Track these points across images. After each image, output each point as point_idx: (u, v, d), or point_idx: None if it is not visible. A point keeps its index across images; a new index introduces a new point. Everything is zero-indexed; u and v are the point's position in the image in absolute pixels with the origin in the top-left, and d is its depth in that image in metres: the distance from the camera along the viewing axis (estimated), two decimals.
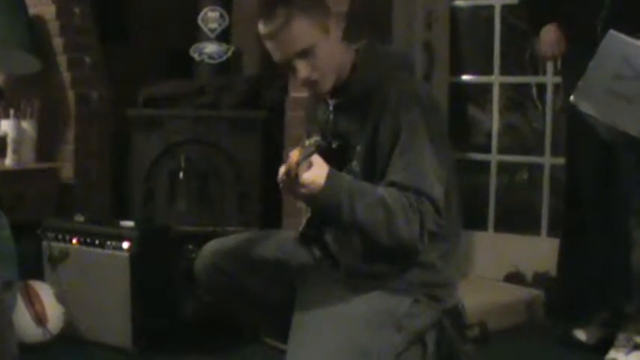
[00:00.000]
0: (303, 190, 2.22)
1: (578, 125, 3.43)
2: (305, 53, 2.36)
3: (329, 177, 2.24)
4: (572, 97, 2.63)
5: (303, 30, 2.34)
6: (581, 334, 3.61)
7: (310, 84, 2.44)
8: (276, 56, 2.41)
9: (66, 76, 4.42)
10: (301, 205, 2.54)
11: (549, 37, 3.60)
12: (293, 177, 2.20)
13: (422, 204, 2.24)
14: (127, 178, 4.44)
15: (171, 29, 4.80)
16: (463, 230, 2.62)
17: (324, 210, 2.29)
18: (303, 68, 2.38)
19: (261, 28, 2.38)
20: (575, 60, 3.31)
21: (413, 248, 2.29)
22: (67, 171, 4.40)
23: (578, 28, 3.48)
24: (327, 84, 2.43)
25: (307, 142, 2.28)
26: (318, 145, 2.35)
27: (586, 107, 2.65)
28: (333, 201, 2.24)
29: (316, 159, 2.23)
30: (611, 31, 2.57)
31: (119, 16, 5.00)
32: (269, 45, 2.40)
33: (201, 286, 2.77)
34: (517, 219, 4.77)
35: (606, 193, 3.55)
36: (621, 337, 3.44)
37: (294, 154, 2.22)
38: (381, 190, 2.26)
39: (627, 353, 3.40)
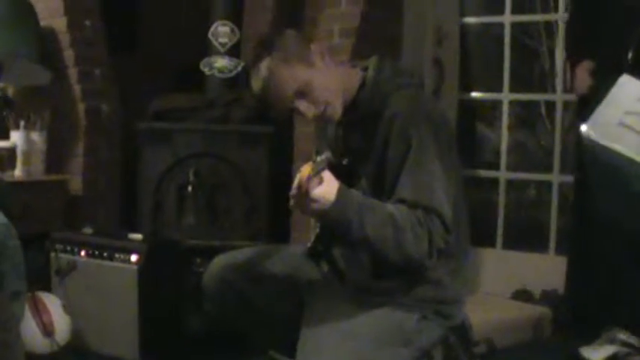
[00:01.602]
0: (313, 206, 2.23)
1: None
2: (300, 93, 2.41)
3: (339, 193, 2.24)
4: (582, 128, 2.66)
5: (288, 75, 2.40)
6: (587, 352, 3.59)
7: (320, 117, 2.47)
8: (277, 106, 2.47)
9: (76, 88, 4.42)
10: (309, 219, 2.55)
11: (579, 74, 3.64)
12: (303, 192, 2.21)
13: (431, 221, 2.24)
14: (136, 191, 4.45)
15: (181, 43, 4.82)
16: (471, 247, 2.62)
17: (334, 225, 2.29)
18: (305, 107, 2.43)
19: (253, 86, 2.47)
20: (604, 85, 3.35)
21: (421, 265, 2.29)
22: (75, 183, 4.40)
23: (608, 53, 3.50)
24: (337, 111, 2.46)
25: (318, 158, 2.29)
26: (329, 161, 2.36)
27: (596, 137, 2.69)
28: (342, 217, 2.24)
29: (327, 175, 2.24)
30: (625, 75, 2.62)
31: (130, 30, 5.03)
32: (267, 99, 2.47)
33: (209, 299, 2.77)
34: (525, 236, 4.77)
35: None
36: None
37: (304, 170, 2.23)
38: (391, 207, 2.27)
39: None
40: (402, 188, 2.30)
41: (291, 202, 2.28)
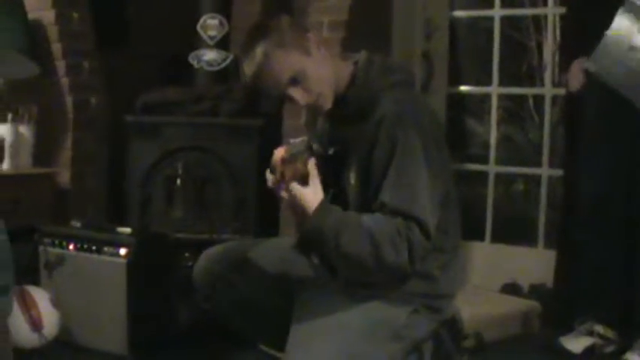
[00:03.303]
0: (284, 195, 2.30)
1: (578, 137, 3.44)
2: (294, 80, 2.39)
3: (320, 206, 2.28)
4: (586, 63, 2.62)
5: (283, 61, 2.37)
6: (567, 343, 3.61)
7: (311, 107, 2.45)
8: (270, 92, 2.45)
9: (64, 81, 4.40)
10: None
11: (575, 71, 3.63)
12: (278, 176, 2.24)
13: (410, 230, 2.23)
14: (124, 185, 4.43)
15: (170, 36, 4.80)
16: (461, 241, 2.61)
17: (309, 238, 2.35)
18: (298, 95, 2.40)
19: (246, 70, 2.43)
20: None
21: (403, 274, 2.30)
22: (63, 176, 4.39)
23: None
24: (328, 101, 2.44)
25: (292, 141, 2.30)
26: (309, 147, 2.36)
27: (600, 75, 2.64)
28: (318, 231, 2.28)
29: (316, 182, 2.29)
30: None
31: (118, 22, 5.00)
32: (260, 85, 2.44)
33: (199, 293, 2.77)
34: (514, 230, 4.78)
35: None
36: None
37: (278, 152, 2.25)
38: (368, 219, 2.26)
39: None
40: (385, 192, 2.29)
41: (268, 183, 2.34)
